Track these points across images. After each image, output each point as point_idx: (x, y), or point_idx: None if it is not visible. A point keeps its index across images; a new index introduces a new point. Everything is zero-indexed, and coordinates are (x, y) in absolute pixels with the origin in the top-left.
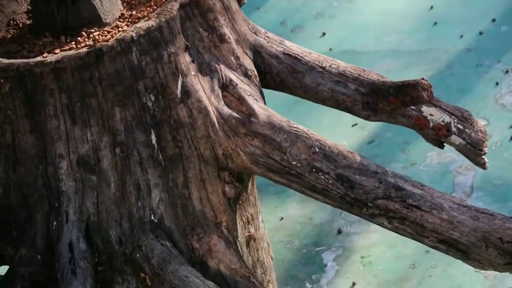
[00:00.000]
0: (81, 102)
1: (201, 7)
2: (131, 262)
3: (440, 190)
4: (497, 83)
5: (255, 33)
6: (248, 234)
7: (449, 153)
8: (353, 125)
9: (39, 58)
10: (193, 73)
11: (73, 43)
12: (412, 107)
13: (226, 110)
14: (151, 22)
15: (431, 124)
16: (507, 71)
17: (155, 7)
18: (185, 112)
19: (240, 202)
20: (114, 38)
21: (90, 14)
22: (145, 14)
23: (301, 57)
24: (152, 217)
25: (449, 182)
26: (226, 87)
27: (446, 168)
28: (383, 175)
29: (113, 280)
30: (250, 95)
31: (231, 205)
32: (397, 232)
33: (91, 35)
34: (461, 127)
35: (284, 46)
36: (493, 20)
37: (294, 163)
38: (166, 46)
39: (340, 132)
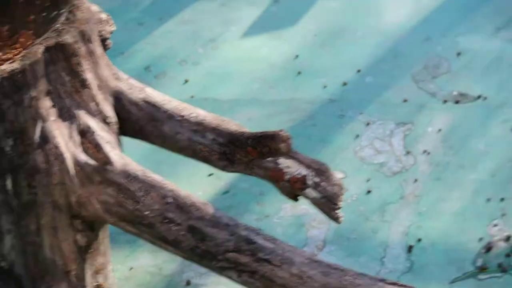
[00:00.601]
0: None
1: (66, 51)
2: None
3: (292, 244)
4: (357, 135)
5: (117, 79)
6: (96, 284)
7: (303, 206)
8: (209, 175)
9: None
10: (53, 118)
11: None
12: (269, 158)
13: (82, 157)
14: (15, 65)
15: (287, 176)
16: (368, 123)
17: (21, 49)
18: (42, 158)
19: (90, 251)
20: None
21: None
22: (11, 56)
23: (161, 105)
24: (3, 264)
25: (302, 235)
26: (84, 134)
27: (300, 221)
28: (235, 227)
29: None
30: (108, 142)
31: (82, 253)
32: (246, 286)
33: None
34: (317, 180)
35: (145, 94)
36: (358, 71)
37: (146, 213)
38: (28, 90)
39: (196, 181)
